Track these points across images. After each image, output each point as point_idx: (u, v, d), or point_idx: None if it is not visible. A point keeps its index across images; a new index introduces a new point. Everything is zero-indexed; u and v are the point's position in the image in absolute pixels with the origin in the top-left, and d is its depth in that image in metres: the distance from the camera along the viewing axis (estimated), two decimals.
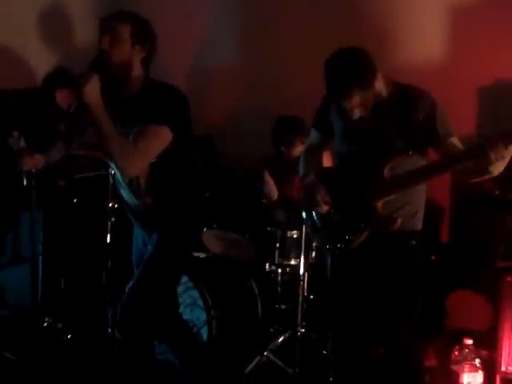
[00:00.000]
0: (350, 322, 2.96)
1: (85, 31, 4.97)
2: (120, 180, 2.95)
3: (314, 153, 3.10)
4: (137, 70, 2.82)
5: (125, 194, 2.96)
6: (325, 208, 2.84)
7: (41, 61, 4.46)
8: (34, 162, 3.02)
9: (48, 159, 3.05)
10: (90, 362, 3.73)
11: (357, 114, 2.74)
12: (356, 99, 2.69)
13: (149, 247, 2.93)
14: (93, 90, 2.62)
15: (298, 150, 4.14)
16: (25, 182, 3.19)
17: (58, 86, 4.34)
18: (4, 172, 3.92)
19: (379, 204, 2.75)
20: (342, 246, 2.81)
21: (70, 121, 2.99)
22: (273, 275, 4.01)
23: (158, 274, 2.88)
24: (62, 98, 4.32)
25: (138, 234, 3.09)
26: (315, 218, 2.92)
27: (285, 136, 4.20)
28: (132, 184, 2.87)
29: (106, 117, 2.65)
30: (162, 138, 2.74)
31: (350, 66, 2.67)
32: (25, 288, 4.47)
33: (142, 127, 2.71)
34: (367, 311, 2.90)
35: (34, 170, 3.07)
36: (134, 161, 2.71)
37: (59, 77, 4.39)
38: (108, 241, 4.01)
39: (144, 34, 2.82)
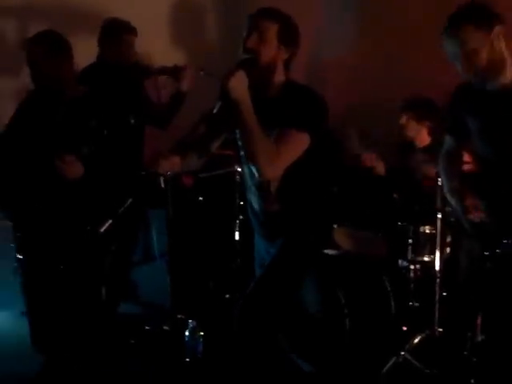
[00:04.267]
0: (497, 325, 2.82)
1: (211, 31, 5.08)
2: (250, 184, 2.89)
3: (452, 159, 2.97)
4: (279, 72, 2.76)
5: (253, 199, 2.91)
6: (477, 215, 2.71)
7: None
8: (170, 165, 2.91)
9: (184, 165, 2.95)
10: (221, 359, 3.76)
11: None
12: (469, 37, 2.57)
13: (271, 250, 2.88)
14: (240, 85, 2.55)
15: (425, 138, 4.03)
16: (162, 185, 3.20)
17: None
18: (135, 170, 4.01)
19: None
20: (501, 250, 2.67)
21: (212, 123, 2.88)
22: (405, 272, 3.90)
23: (280, 279, 2.82)
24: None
25: (260, 244, 3.03)
26: (465, 224, 2.79)
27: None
28: (262, 188, 2.82)
29: (253, 114, 2.57)
30: (301, 144, 2.67)
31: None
32: (156, 285, 4.59)
33: (284, 131, 2.63)
34: None
35: (169, 173, 3.04)
36: (276, 163, 2.63)
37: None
38: (237, 238, 4.04)
39: (290, 35, 2.74)
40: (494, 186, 2.72)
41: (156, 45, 4.57)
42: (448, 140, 2.96)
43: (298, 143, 2.66)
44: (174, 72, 4.29)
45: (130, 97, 4.13)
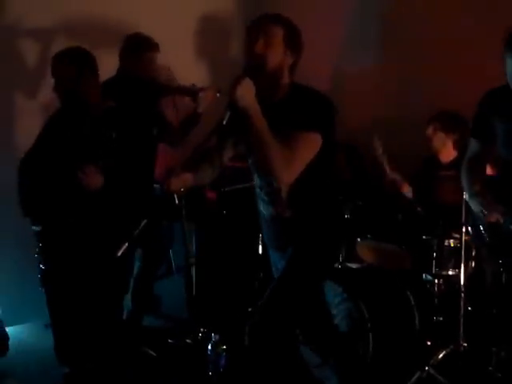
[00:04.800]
0: None
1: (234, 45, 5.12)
2: (259, 192, 2.87)
3: (475, 164, 2.94)
4: (285, 77, 2.73)
5: (264, 207, 2.88)
6: (498, 218, 2.67)
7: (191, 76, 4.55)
8: (182, 183, 2.86)
9: (197, 180, 2.90)
10: (243, 373, 3.75)
11: None
12: None
13: (282, 262, 2.85)
14: (248, 93, 2.52)
15: (451, 152, 4.00)
16: (177, 201, 3.21)
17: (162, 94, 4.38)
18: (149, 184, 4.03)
19: None
20: None
21: (223, 134, 2.86)
22: (429, 286, 3.86)
23: (291, 290, 2.77)
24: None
25: (274, 256, 3.00)
26: (482, 229, 2.76)
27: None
28: (273, 195, 2.79)
29: (263, 121, 2.54)
30: (314, 145, 2.63)
31: None
32: (179, 299, 4.59)
33: (295, 133, 2.59)
34: None
35: (182, 189, 2.94)
36: (292, 167, 2.59)
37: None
38: (260, 252, 4.03)
39: (295, 39, 2.72)
40: None
41: (180, 59, 4.59)
42: (473, 144, 2.93)
43: (311, 144, 2.62)
44: (193, 93, 4.31)
45: (151, 110, 4.16)
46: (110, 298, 3.48)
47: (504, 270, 2.78)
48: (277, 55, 2.67)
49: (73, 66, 3.30)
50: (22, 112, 4.43)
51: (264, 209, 2.88)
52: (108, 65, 4.08)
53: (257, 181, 2.87)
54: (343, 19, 5.12)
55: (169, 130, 4.30)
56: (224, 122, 2.57)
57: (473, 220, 2.87)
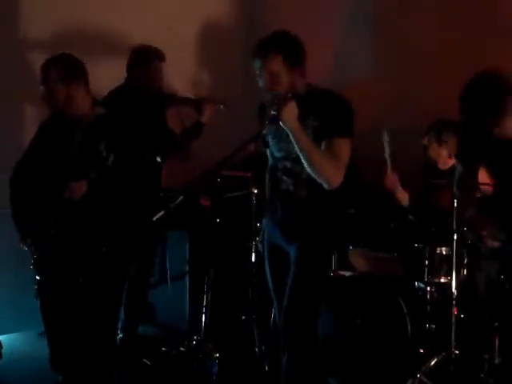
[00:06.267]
0: None
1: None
2: (280, 174, 3.02)
3: (464, 188, 3.04)
4: (299, 84, 2.91)
5: (286, 183, 3.02)
6: (494, 243, 2.70)
7: None
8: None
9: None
10: (236, 381, 3.76)
11: None
12: None
13: (291, 252, 2.97)
14: (292, 116, 2.74)
15: (447, 160, 4.01)
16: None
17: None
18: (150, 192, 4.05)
19: None
20: None
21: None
22: (421, 293, 3.87)
23: (310, 282, 2.93)
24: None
25: (271, 229, 3.13)
26: (482, 249, 2.79)
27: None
28: (294, 175, 2.97)
29: (307, 138, 2.78)
30: (350, 148, 2.90)
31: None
32: (173, 307, 4.61)
33: (335, 141, 2.83)
34: None
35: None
36: (340, 172, 2.86)
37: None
38: (253, 260, 4.04)
39: (296, 54, 2.88)
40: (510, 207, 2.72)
41: (179, 67, 4.62)
42: (458, 167, 2.98)
43: (348, 149, 2.89)
44: (197, 103, 4.37)
45: (156, 121, 4.21)
46: (104, 306, 3.48)
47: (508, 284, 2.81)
48: (284, 79, 2.85)
49: (56, 70, 3.27)
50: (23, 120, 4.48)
51: (286, 184, 3.02)
52: (110, 73, 4.15)
53: (279, 164, 3.03)
54: (341, 30, 5.15)
55: (175, 141, 4.36)
56: (264, 132, 2.81)
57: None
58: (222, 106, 4.36)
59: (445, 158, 4.02)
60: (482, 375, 3.48)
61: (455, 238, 3.50)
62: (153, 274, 4.50)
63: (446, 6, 4.55)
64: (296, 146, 2.79)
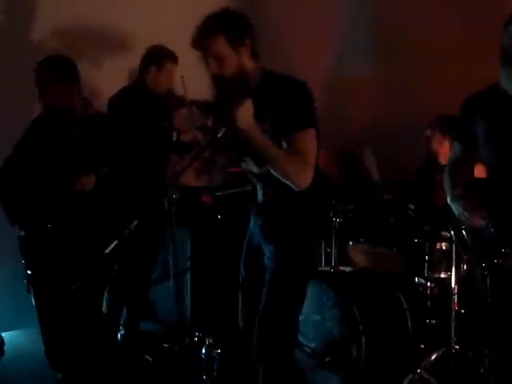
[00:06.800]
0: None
1: None
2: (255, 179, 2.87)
3: (458, 168, 2.93)
4: (248, 65, 2.68)
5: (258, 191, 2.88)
6: (479, 222, 2.67)
7: None
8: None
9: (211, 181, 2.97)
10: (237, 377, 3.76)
11: None
12: None
13: (267, 262, 2.83)
14: (248, 115, 2.51)
15: (448, 152, 4.01)
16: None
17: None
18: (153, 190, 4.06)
19: None
20: (500, 261, 2.64)
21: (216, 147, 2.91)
22: (421, 289, 3.87)
23: (287, 288, 2.78)
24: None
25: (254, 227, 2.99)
26: (465, 233, 2.77)
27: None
28: (262, 180, 2.80)
29: (265, 138, 2.55)
30: (315, 139, 2.64)
31: None
32: (174, 303, 4.61)
33: (297, 135, 2.58)
34: None
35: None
36: (308, 170, 2.60)
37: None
38: None
39: (239, 31, 2.64)
40: (497, 193, 2.69)
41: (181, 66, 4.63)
42: (456, 148, 2.95)
43: (313, 141, 2.63)
44: (206, 107, 4.38)
45: (163, 122, 4.26)
46: (98, 301, 3.49)
47: (488, 273, 2.78)
48: (231, 61, 2.64)
49: (49, 71, 3.36)
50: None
51: (259, 193, 2.87)
52: (113, 72, 4.16)
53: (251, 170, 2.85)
54: (338, 27, 5.14)
55: (180, 142, 4.38)
56: (219, 136, 2.53)
57: (455, 224, 2.87)
58: (193, 107, 4.24)
59: (447, 150, 4.02)
60: (482, 370, 3.49)
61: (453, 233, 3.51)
62: (154, 271, 4.52)
63: (448, 3, 4.56)
64: (255, 146, 2.57)
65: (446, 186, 2.91)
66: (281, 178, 2.62)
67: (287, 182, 2.63)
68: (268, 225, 2.84)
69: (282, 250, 2.77)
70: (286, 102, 2.60)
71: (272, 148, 2.56)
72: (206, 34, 2.63)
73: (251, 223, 3.00)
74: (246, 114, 2.51)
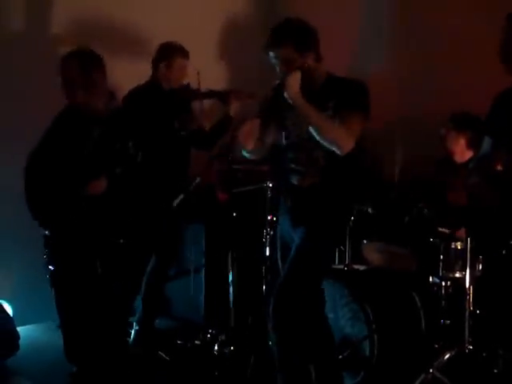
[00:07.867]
0: None
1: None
2: (293, 166, 3.13)
3: (486, 160, 2.95)
4: (315, 71, 3.05)
5: (293, 178, 3.12)
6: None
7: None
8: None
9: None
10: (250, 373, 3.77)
11: None
12: None
13: (295, 236, 3.06)
14: (294, 84, 2.90)
15: (465, 151, 3.98)
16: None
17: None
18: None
19: None
20: (506, 252, 2.64)
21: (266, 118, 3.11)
22: (436, 288, 3.85)
23: (307, 264, 2.99)
24: None
25: (284, 225, 3.21)
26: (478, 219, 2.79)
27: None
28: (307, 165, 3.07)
29: (309, 105, 2.90)
30: (360, 122, 2.99)
31: None
32: (189, 300, 4.63)
33: (343, 112, 2.94)
34: None
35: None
36: (349, 136, 2.93)
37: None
38: (267, 254, 4.05)
39: (308, 42, 3.02)
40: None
41: (198, 62, 4.64)
42: (485, 143, 2.95)
43: (358, 120, 2.97)
44: (222, 96, 4.40)
45: (178, 117, 4.29)
46: (119, 299, 3.52)
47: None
48: (298, 63, 2.99)
49: (75, 63, 3.31)
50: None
51: (294, 180, 3.13)
52: (130, 69, 4.17)
53: (291, 155, 3.15)
54: (355, 22, 5.13)
55: (199, 135, 4.40)
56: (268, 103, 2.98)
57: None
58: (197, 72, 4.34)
59: (463, 148, 3.98)
60: (496, 371, 3.47)
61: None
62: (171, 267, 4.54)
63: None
64: (301, 114, 2.93)
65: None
66: (326, 141, 2.93)
67: (331, 146, 2.93)
68: (301, 207, 3.10)
69: (312, 232, 3.03)
70: (346, 91, 3.00)
71: (317, 114, 2.92)
72: (276, 42, 3.01)
73: (280, 217, 3.30)
74: (292, 82, 2.91)
